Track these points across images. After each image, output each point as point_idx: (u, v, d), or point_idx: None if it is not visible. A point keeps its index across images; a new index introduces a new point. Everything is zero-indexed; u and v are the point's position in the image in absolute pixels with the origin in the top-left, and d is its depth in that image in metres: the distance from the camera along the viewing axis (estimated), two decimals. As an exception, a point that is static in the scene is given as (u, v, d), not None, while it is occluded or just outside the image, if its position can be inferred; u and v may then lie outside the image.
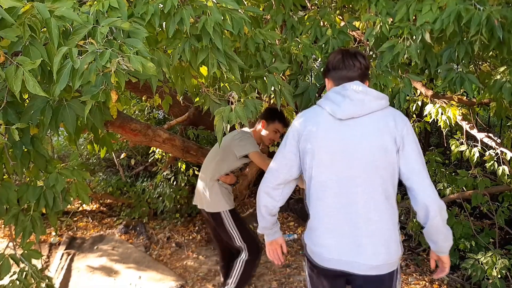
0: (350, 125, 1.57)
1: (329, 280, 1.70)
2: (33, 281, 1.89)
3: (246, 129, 2.79)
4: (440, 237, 1.59)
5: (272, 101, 3.39)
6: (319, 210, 1.63)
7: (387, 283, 1.63)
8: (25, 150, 1.68)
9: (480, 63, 3.04)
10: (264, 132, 2.74)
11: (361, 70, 1.65)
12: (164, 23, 1.63)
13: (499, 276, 2.76)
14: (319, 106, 1.66)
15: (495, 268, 2.78)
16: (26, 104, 1.62)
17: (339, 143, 1.57)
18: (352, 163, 1.56)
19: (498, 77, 2.07)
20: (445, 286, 3.15)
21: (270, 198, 1.71)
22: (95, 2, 1.43)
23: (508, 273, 2.90)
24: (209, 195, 2.66)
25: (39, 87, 1.27)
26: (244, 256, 2.67)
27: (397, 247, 1.61)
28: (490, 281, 2.81)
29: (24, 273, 1.88)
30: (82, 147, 4.72)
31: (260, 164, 2.61)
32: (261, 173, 4.04)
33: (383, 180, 1.56)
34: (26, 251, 1.88)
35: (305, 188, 1.70)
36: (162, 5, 1.55)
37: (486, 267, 2.82)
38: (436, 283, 3.18)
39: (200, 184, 2.75)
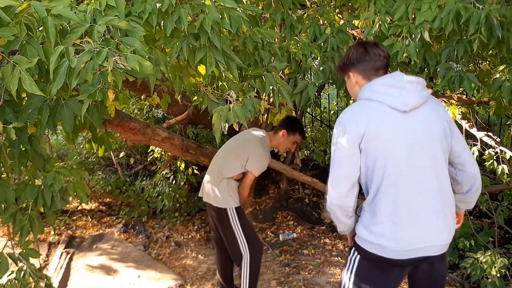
0: (415, 115, 1.59)
1: (395, 270, 1.67)
2: (31, 280, 1.89)
3: (263, 132, 2.79)
4: (476, 198, 1.78)
5: (271, 100, 3.38)
6: (393, 204, 1.59)
7: (447, 254, 1.74)
8: (23, 149, 1.68)
9: (479, 61, 3.03)
10: (282, 141, 2.76)
11: (386, 59, 1.67)
12: (162, 21, 1.62)
13: (498, 275, 2.76)
14: (373, 101, 1.61)
15: (495, 267, 2.78)
16: (23, 103, 1.62)
17: (411, 135, 1.58)
18: (425, 151, 1.59)
19: (498, 75, 2.06)
20: (444, 285, 3.15)
21: (345, 208, 1.65)
22: (92, 1, 1.42)
23: (507, 272, 2.90)
24: (218, 191, 2.67)
25: (35, 86, 1.27)
26: (246, 258, 2.68)
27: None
28: (490, 280, 2.81)
29: (22, 272, 1.88)
30: (81, 146, 4.72)
31: (245, 186, 2.68)
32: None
33: (446, 162, 1.66)
34: (24, 250, 1.88)
35: (369, 186, 1.64)
36: (160, 4, 1.54)
37: (485, 266, 2.81)
38: (435, 282, 3.18)
39: (207, 179, 2.75)
